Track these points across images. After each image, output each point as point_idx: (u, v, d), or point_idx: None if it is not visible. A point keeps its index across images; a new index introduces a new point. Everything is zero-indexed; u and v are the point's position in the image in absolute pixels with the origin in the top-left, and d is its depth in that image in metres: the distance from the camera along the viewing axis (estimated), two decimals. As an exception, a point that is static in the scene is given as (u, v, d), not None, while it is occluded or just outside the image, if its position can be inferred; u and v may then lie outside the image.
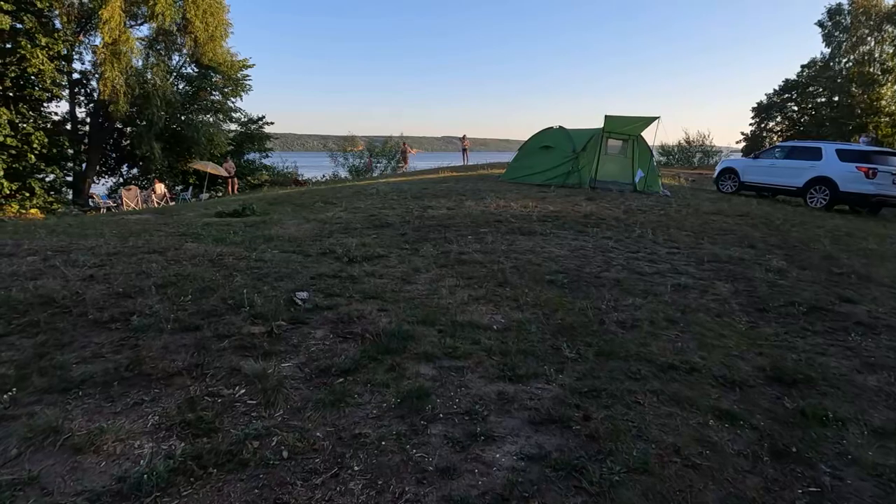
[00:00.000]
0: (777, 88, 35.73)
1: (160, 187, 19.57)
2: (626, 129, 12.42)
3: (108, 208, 18.37)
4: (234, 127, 27.42)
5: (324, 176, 30.98)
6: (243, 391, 2.67)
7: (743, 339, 3.61)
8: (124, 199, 18.14)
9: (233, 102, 26.39)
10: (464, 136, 27.72)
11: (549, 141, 13.38)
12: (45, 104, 20.37)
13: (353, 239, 6.37)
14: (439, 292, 4.30)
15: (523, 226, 7.26)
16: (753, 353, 3.39)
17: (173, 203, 19.70)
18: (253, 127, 28.58)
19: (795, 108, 36.21)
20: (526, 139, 13.95)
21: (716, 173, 15.19)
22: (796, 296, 4.58)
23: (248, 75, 26.66)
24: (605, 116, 11.87)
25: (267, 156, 29.86)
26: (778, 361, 3.23)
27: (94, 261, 4.66)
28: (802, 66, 34.91)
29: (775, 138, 35.11)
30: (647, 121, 12.26)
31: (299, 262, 5.11)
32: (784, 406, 2.73)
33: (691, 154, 34.65)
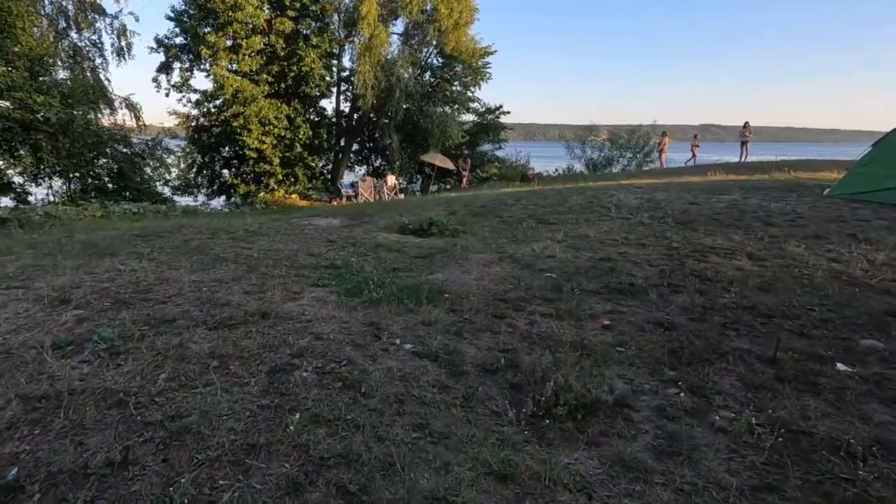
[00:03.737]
0: None
1: (391, 179, 19.80)
2: None
3: (349, 197, 19.38)
4: (470, 118, 26.74)
5: (556, 170, 28.12)
6: None
7: None
8: (360, 189, 18.79)
9: (471, 92, 25.61)
10: (746, 124, 20.86)
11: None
12: (315, 100, 22.88)
13: (564, 324, 3.31)
14: None
15: None
16: None
17: (402, 196, 19.76)
18: (489, 117, 27.46)
19: None
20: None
21: None
22: None
23: (488, 63, 25.47)
24: None
25: (500, 147, 28.50)
26: None
27: (133, 331, 2.82)
28: None
29: None
30: None
31: (434, 402, 2.34)
32: None
33: None
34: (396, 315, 3.49)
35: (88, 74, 15.97)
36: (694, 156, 21.75)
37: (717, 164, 19.15)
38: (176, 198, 18.46)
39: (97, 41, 16.43)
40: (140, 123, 17.38)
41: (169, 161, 18.09)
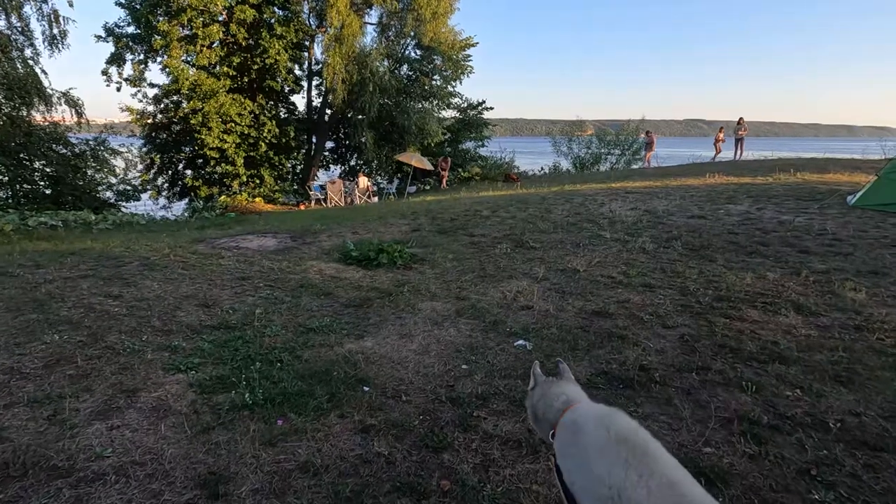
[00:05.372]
0: None
1: (363, 181, 18.31)
2: None
3: (318, 200, 17.86)
4: (451, 114, 25.26)
5: (542, 168, 26.87)
6: None
7: None
8: (329, 192, 17.30)
9: (452, 87, 24.12)
10: (740, 120, 19.72)
11: None
12: (282, 95, 21.17)
13: (539, 468, 1.95)
14: None
15: None
16: None
17: (375, 199, 18.30)
18: (472, 113, 26.01)
19: None
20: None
21: None
22: None
23: (469, 56, 23.99)
24: None
25: (483, 145, 27.04)
26: None
27: None
28: None
29: None
30: None
31: None
32: None
33: None
34: (268, 444, 2.12)
35: (19, 66, 14.22)
36: (718, 151, 20.47)
37: (712, 164, 17.99)
38: (128, 203, 16.72)
39: (25, 28, 14.62)
40: (83, 120, 15.61)
41: (115, 163, 16.34)
